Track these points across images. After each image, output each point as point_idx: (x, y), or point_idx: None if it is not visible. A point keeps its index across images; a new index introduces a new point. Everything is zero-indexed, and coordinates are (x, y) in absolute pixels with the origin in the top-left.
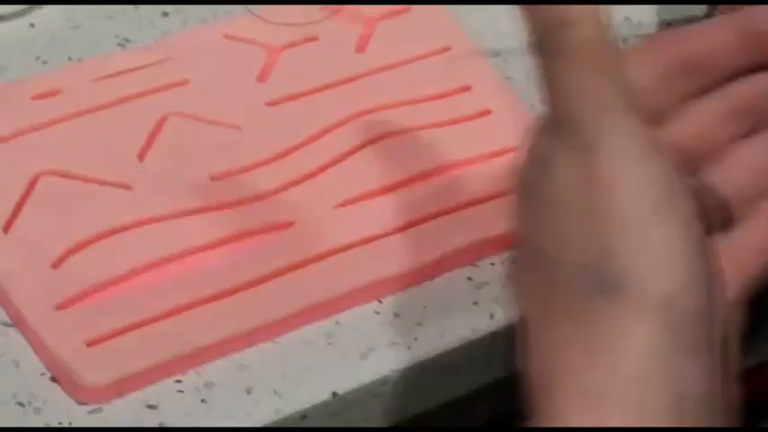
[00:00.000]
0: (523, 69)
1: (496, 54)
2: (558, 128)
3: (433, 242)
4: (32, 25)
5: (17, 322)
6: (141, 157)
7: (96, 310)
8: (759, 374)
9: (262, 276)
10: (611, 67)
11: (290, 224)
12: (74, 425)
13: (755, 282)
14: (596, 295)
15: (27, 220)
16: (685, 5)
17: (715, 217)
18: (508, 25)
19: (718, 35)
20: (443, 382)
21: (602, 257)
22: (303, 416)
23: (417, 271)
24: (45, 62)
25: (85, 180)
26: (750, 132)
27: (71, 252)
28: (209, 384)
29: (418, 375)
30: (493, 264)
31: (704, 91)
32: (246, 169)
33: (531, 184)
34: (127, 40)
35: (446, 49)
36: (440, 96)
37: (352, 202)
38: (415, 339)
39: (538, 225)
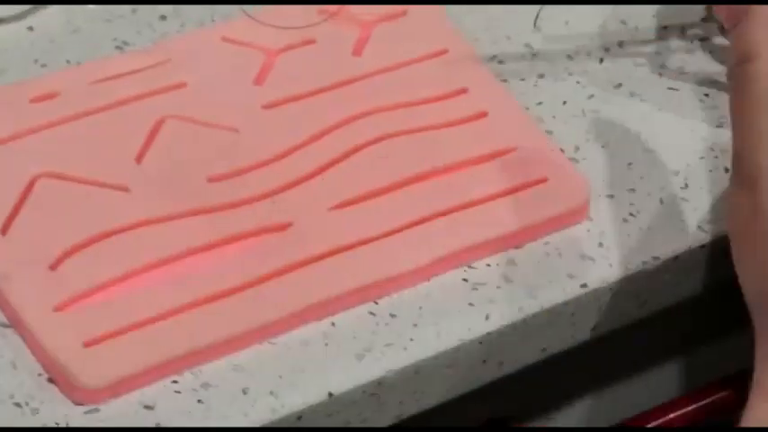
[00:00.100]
0: (519, 72)
1: (493, 56)
2: (733, 164)
3: (429, 243)
4: (31, 28)
5: (15, 323)
6: (139, 159)
7: (94, 312)
8: (742, 379)
9: (258, 278)
10: None
11: (286, 226)
12: (71, 425)
13: None
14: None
15: (25, 221)
16: (683, 7)
17: None
18: (505, 28)
19: None
20: (439, 382)
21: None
22: (299, 416)
23: (413, 272)
24: (44, 65)
25: (83, 182)
26: None
27: (68, 254)
28: (205, 385)
29: (414, 376)
30: (488, 265)
31: None
32: (243, 171)
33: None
34: (125, 44)
35: (443, 51)
36: (437, 99)
37: (349, 203)
38: (411, 340)
39: (733, 255)
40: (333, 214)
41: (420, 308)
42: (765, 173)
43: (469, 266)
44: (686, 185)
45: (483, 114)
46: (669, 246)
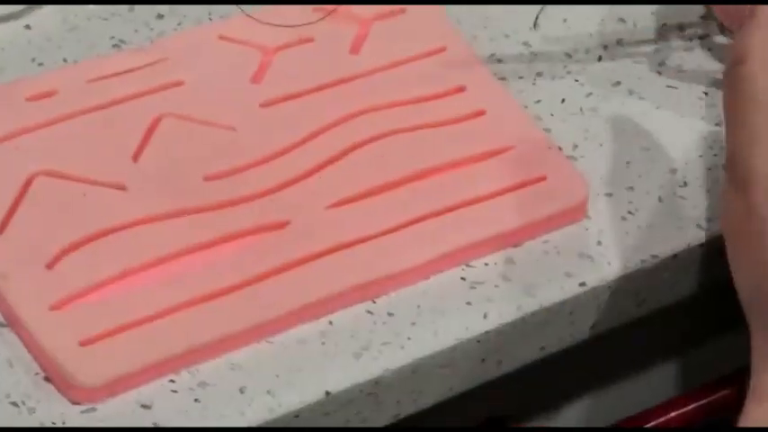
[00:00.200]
0: (518, 70)
1: (491, 55)
2: (727, 165)
3: (427, 242)
4: (28, 27)
5: (11, 322)
6: (136, 157)
7: (91, 310)
8: (741, 378)
9: (255, 276)
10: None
11: (283, 224)
12: (67, 424)
13: None
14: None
15: (22, 220)
16: (682, 6)
17: None
18: (503, 26)
19: None
20: (437, 382)
21: (761, 281)
22: (296, 415)
23: (411, 270)
24: (41, 63)
25: (80, 181)
26: None
27: (65, 252)
28: (202, 384)
29: (411, 375)
30: (486, 264)
31: None
32: (241, 170)
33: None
34: (122, 42)
35: (441, 49)
36: (434, 97)
37: (347, 202)
38: (409, 339)
39: (728, 254)
40: (330, 212)
41: (418, 306)
42: (758, 175)
43: (468, 265)
44: (685, 183)
45: (481, 113)
46: (668, 244)
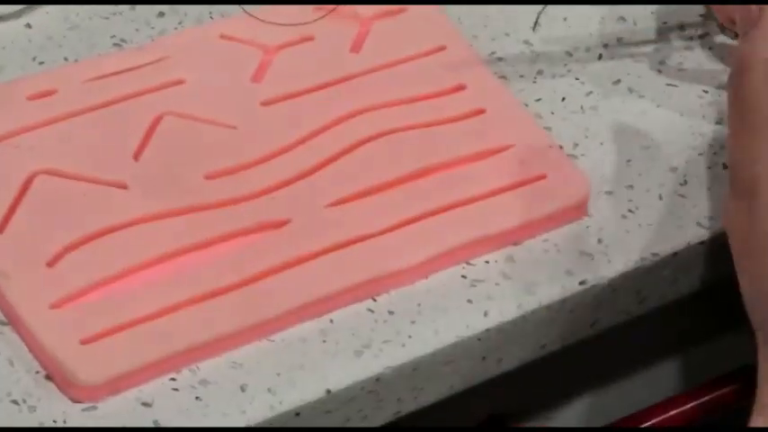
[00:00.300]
0: (518, 69)
1: (492, 53)
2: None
3: (427, 240)
4: (29, 26)
5: (12, 321)
6: (137, 156)
7: (91, 309)
8: (741, 376)
9: (256, 274)
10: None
11: (284, 222)
12: (68, 422)
13: None
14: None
15: (22, 219)
16: (682, 6)
17: None
18: (504, 25)
19: None
20: (438, 380)
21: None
22: (297, 413)
23: (411, 269)
24: (41, 62)
25: (81, 179)
26: None
27: (66, 251)
28: (203, 382)
29: (412, 373)
30: (487, 262)
31: None
32: (241, 168)
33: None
34: (123, 41)
35: (441, 48)
36: (435, 96)
37: (347, 200)
38: (410, 337)
39: (733, 259)
40: (331, 211)
41: (418, 305)
42: (762, 184)
43: (468, 263)
44: (685, 182)
45: (481, 111)
46: (668, 242)
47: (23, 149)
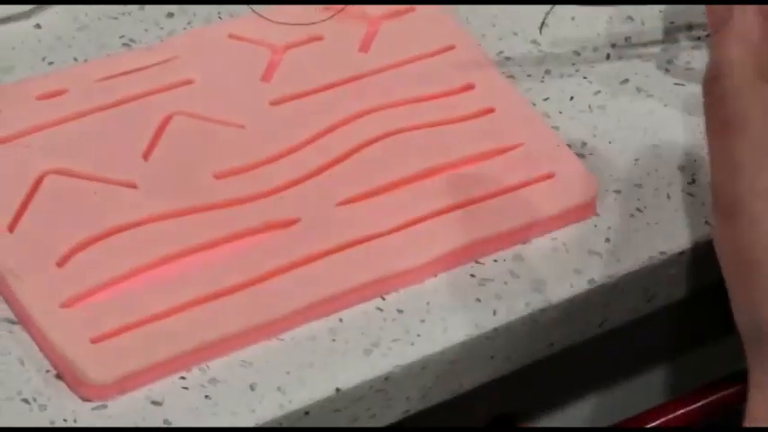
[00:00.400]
0: (526, 68)
1: (500, 53)
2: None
3: (436, 239)
4: (38, 26)
5: (22, 320)
6: (146, 156)
7: (101, 308)
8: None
9: (266, 273)
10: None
11: (293, 222)
12: (78, 421)
13: None
14: (754, 345)
15: (33, 218)
16: (689, 6)
17: None
18: (511, 24)
19: None
20: (446, 378)
21: (754, 310)
22: (306, 412)
23: (420, 268)
24: (51, 62)
25: (91, 179)
26: None
27: (76, 250)
28: (213, 381)
29: (421, 372)
30: (495, 261)
31: None
32: (250, 168)
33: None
34: (132, 41)
35: (450, 48)
36: (443, 95)
37: (356, 199)
38: (418, 336)
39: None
40: (340, 210)
41: (427, 303)
42: (744, 203)
43: (477, 262)
44: (693, 181)
45: (490, 110)
46: (676, 241)
47: (33, 149)
